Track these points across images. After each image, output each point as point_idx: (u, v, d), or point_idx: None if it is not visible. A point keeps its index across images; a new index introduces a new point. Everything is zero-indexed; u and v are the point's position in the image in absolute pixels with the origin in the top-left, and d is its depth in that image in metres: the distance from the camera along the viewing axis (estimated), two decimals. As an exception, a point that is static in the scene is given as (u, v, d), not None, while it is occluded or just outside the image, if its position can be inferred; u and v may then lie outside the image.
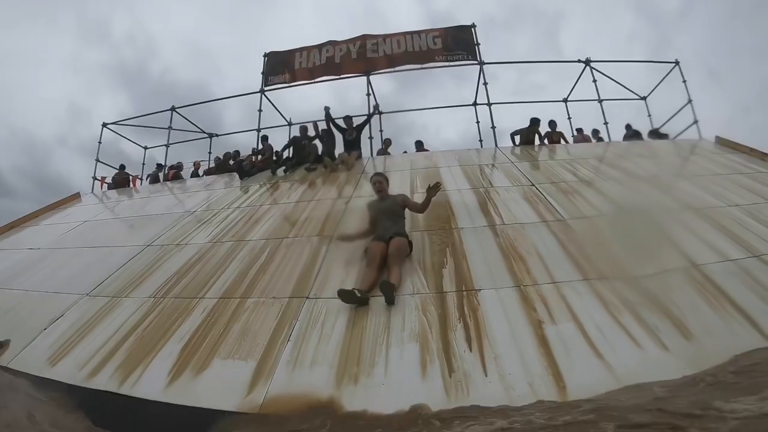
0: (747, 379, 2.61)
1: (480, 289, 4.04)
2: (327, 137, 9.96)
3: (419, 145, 11.13)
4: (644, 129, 11.10)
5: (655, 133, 10.87)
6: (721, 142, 8.77)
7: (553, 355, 3.14)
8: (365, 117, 10.55)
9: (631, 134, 10.79)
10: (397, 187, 7.28)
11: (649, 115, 11.82)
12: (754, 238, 4.67)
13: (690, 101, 10.51)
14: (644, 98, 11.97)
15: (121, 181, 13.24)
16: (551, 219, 5.42)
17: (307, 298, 4.37)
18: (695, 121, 10.30)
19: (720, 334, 3.26)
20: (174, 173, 12.81)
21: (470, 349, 3.29)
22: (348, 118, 10.20)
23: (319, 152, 9.87)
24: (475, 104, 11.51)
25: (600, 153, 8.67)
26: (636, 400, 2.56)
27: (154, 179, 12.96)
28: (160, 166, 13.46)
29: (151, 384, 3.56)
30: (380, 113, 12.05)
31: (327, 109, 9.92)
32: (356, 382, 3.16)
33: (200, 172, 13.14)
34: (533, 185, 6.66)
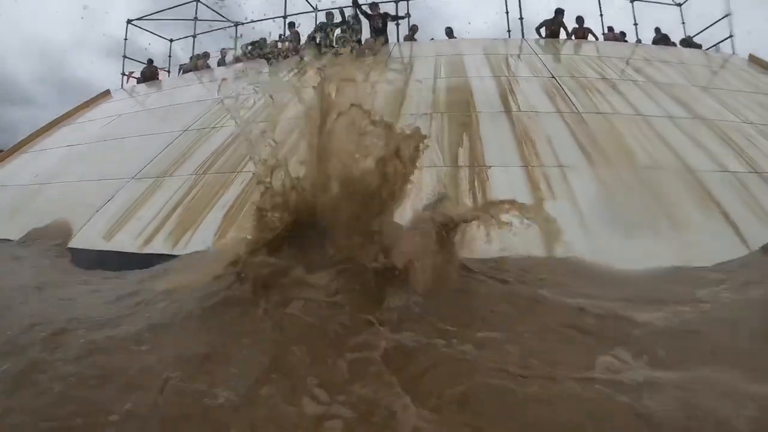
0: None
1: (490, 166, 4.42)
2: (353, 24, 9.92)
3: (449, 32, 10.98)
4: (677, 37, 10.76)
5: (687, 42, 10.53)
6: (753, 60, 8.61)
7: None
8: (394, 13, 10.42)
9: (660, 38, 10.45)
10: (420, 73, 7.50)
11: (683, 23, 11.33)
12: (759, 155, 4.84)
13: (729, 14, 10.16)
14: (680, 5, 11.49)
15: (150, 75, 13.29)
16: (566, 111, 5.66)
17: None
18: (730, 36, 9.97)
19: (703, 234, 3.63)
20: (202, 63, 12.86)
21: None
22: (375, 5, 10.08)
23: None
24: (504, -7, 11.17)
25: (626, 53, 8.61)
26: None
27: (188, 69, 13.00)
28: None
29: (200, 245, 4.11)
30: (408, -1, 11.82)
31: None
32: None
33: (227, 59, 13.15)
34: (554, 77, 6.81)
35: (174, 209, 4.92)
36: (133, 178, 5.91)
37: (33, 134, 9.81)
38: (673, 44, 10.36)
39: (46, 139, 9.32)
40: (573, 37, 10.17)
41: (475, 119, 5.47)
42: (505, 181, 4.20)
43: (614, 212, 3.79)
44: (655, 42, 10.42)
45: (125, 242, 4.59)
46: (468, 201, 3.93)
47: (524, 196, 3.93)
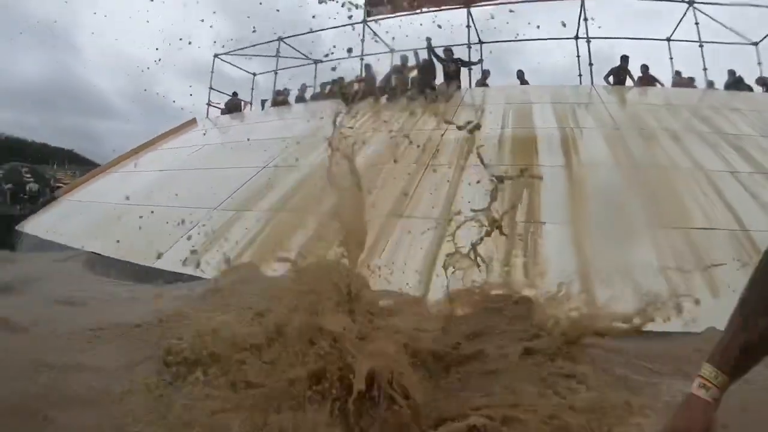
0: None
1: (544, 222, 4.87)
2: (427, 68, 10.56)
3: (520, 75, 11.36)
4: (752, 79, 10.32)
5: (763, 82, 10.20)
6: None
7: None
8: (467, 59, 11.01)
9: (732, 82, 10.23)
10: (490, 120, 8.00)
11: (760, 63, 10.79)
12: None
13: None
14: (755, 44, 11.02)
15: (233, 107, 14.62)
16: (627, 164, 5.98)
17: (401, 217, 5.41)
18: (814, 75, 9.75)
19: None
20: (282, 99, 13.94)
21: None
22: (448, 51, 10.75)
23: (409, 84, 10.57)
24: (576, 38, 11.47)
25: (693, 101, 8.73)
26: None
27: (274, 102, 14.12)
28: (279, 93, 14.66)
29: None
30: (481, 42, 12.46)
31: (429, 40, 10.47)
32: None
33: (306, 96, 14.16)
34: (618, 128, 7.12)
35: (250, 244, 5.67)
36: (215, 208, 6.76)
37: (123, 155, 11.20)
38: (748, 87, 10.11)
39: (136, 161, 10.45)
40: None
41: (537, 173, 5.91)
42: (557, 236, 4.62)
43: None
44: (727, 86, 10.32)
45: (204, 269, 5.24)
46: (520, 254, 4.38)
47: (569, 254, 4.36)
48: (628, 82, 10.28)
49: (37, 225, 8.63)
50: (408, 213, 5.56)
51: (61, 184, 18.65)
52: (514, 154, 6.54)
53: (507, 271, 4.09)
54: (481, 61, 11.48)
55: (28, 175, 14.95)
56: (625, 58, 10.25)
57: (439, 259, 4.43)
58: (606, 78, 10.42)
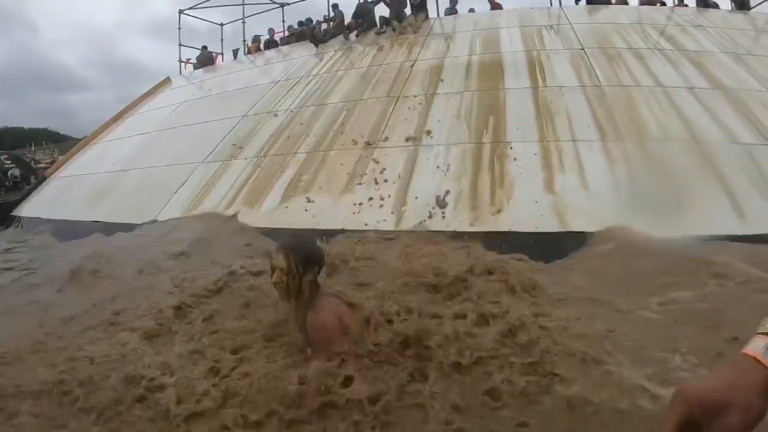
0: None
1: (510, 142, 5.04)
2: (395, 1, 10.37)
3: None
4: None
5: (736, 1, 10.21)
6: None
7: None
8: None
9: None
10: (458, 47, 8.04)
11: None
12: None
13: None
14: None
15: (206, 60, 14.36)
16: (589, 84, 6.11)
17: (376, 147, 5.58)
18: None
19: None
20: (255, 47, 13.79)
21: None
22: (413, -20, 10.54)
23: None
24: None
25: (660, 20, 8.75)
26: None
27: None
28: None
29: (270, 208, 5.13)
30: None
31: None
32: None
33: (276, 38, 13.91)
34: (583, 49, 7.20)
35: (242, 187, 5.84)
36: (202, 162, 6.84)
37: (103, 125, 11.03)
38: (715, 5, 10.11)
39: (116, 129, 10.51)
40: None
41: (503, 97, 6.03)
42: (523, 155, 4.81)
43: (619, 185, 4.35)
44: (697, 3, 10.33)
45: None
46: (487, 175, 4.58)
47: (536, 171, 4.57)
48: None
49: (33, 207, 8.62)
50: (382, 144, 5.71)
51: (43, 165, 18.41)
52: (480, 79, 6.62)
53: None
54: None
55: (9, 162, 14.76)
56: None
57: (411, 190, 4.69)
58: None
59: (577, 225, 3.95)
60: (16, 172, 14.08)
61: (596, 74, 6.34)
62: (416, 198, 4.60)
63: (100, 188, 7.58)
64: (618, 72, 6.40)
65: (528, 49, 7.51)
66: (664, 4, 10.62)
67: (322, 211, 4.86)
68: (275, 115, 7.42)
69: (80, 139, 11.55)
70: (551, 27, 8.52)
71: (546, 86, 6.17)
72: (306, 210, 4.97)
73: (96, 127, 11.09)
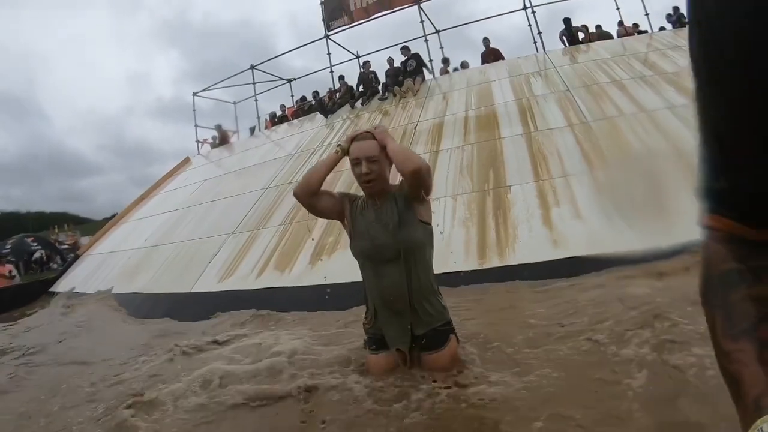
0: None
1: (510, 185, 5.61)
2: (394, 72, 11.43)
3: (486, 42, 12.09)
4: None
5: None
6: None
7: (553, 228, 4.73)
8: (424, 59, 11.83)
9: (677, 18, 10.92)
10: (455, 104, 8.78)
11: None
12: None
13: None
14: None
15: (222, 139, 15.54)
16: (576, 122, 6.70)
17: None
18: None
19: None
20: (270, 123, 14.94)
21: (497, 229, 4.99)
22: (405, 48, 11.57)
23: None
24: (524, 8, 12.07)
25: (641, 48, 9.37)
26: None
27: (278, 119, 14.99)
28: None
29: (299, 271, 5.66)
30: (438, 31, 13.28)
31: (390, 60, 11.81)
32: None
33: (288, 114, 14.99)
34: (568, 90, 7.84)
35: (272, 254, 6.44)
36: (232, 233, 7.52)
37: (129, 206, 12.13)
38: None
39: (142, 208, 11.49)
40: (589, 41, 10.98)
41: (500, 145, 6.64)
42: (521, 197, 5.36)
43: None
44: (672, 24, 10.98)
45: (237, 282, 6.15)
46: (492, 221, 5.14)
47: (534, 208, 5.10)
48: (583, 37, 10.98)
49: (69, 282, 9.37)
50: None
51: (66, 246, 19.57)
52: (478, 132, 7.29)
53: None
54: (431, 61, 12.28)
55: (35, 244, 15.73)
56: (566, 21, 11.00)
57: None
58: (561, 38, 11.14)
59: (576, 251, 4.41)
60: (41, 253, 15.05)
61: (582, 111, 6.93)
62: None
63: (135, 263, 8.29)
64: (602, 106, 6.97)
65: (518, 98, 8.19)
66: (641, 31, 11.29)
67: (351, 266, 5.41)
68: (295, 185, 8.05)
69: (100, 221, 12.52)
70: (538, 73, 9.23)
71: (537, 130, 6.78)
72: (335, 268, 5.46)
73: (113, 208, 12.20)
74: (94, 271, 9.18)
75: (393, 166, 2.36)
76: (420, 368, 2.34)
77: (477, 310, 3.63)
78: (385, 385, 2.30)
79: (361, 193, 2.50)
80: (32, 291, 9.55)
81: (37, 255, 15.23)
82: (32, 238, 16.62)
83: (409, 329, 2.30)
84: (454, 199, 5.76)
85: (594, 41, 10.72)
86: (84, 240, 13.25)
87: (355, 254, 2.42)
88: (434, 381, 2.25)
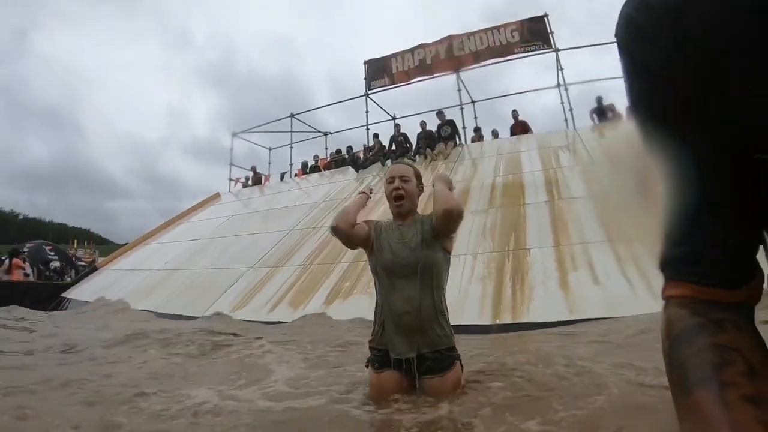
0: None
1: (530, 248, 5.82)
2: (428, 135, 11.96)
3: (515, 114, 12.59)
4: None
5: None
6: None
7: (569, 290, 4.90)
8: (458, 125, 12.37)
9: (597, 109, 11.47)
10: (484, 171, 9.11)
11: None
12: None
13: None
14: None
15: (255, 180, 16.30)
16: (598, 192, 6.91)
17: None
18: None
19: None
20: (301, 171, 15.58)
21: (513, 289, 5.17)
22: (441, 113, 12.11)
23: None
24: (558, 86, 12.62)
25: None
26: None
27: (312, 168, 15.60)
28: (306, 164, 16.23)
29: (312, 310, 5.89)
30: (473, 102, 13.86)
31: (422, 123, 12.36)
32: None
33: (320, 165, 15.63)
34: (593, 163, 8.10)
35: (289, 290, 6.68)
36: (252, 267, 7.81)
37: (155, 229, 12.59)
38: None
39: (167, 233, 11.92)
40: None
41: (524, 211, 6.90)
42: (540, 260, 5.56)
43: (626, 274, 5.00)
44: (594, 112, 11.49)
45: (250, 314, 6.34)
46: (509, 281, 5.33)
47: (551, 271, 5.29)
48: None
49: (83, 291, 9.68)
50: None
51: (83, 263, 19.89)
52: (503, 197, 7.56)
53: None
54: (464, 128, 12.77)
55: (52, 253, 15.99)
56: (599, 99, 11.40)
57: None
58: (591, 116, 11.53)
59: (591, 313, 4.54)
60: (57, 264, 15.29)
61: (604, 182, 7.15)
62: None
63: (152, 283, 8.57)
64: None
65: (545, 168, 8.47)
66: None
67: (367, 309, 5.61)
68: (319, 230, 8.46)
69: (121, 245, 12.78)
70: (566, 147, 9.55)
71: (561, 198, 7.01)
72: (351, 310, 5.63)
73: (135, 234, 12.44)
74: (109, 285, 9.44)
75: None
76: (422, 393, 2.32)
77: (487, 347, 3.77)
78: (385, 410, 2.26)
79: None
80: (45, 292, 9.83)
81: (53, 265, 15.49)
82: (50, 247, 16.85)
83: (415, 344, 2.34)
84: (474, 258, 5.96)
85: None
86: (101, 260, 13.63)
87: (375, 267, 2.54)
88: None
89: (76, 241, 35.61)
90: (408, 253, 2.42)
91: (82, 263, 19.53)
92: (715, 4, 0.56)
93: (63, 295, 9.78)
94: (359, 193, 2.77)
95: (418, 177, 2.64)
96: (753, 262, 0.71)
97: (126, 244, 12.95)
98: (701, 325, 0.66)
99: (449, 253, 2.51)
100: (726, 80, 0.58)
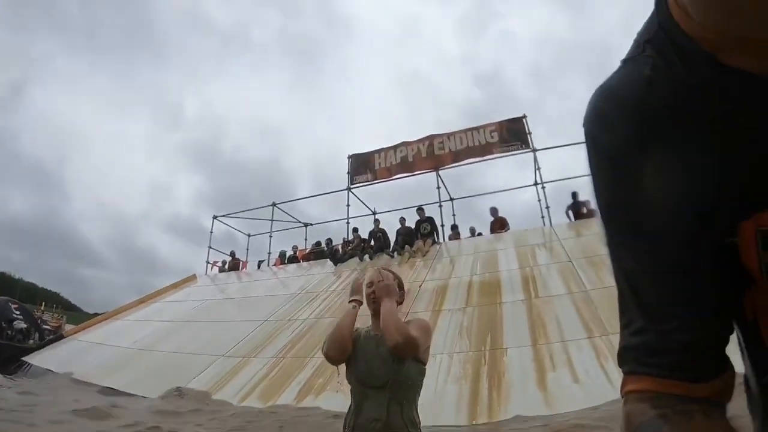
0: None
1: (507, 348, 5.63)
2: (407, 232, 12.04)
3: (494, 211, 12.70)
4: None
5: None
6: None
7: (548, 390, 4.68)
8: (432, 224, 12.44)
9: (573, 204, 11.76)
10: (461, 269, 9.04)
11: None
12: None
13: None
14: None
15: (233, 265, 16.14)
16: (576, 291, 6.86)
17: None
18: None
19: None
20: (279, 261, 15.43)
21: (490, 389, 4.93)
22: (421, 210, 12.25)
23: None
24: (535, 184, 12.89)
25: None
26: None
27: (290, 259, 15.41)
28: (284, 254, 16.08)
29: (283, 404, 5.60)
30: (452, 199, 14.09)
31: (402, 219, 12.54)
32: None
33: (298, 255, 15.53)
34: (570, 261, 8.10)
35: (259, 383, 6.40)
36: (223, 355, 7.51)
37: (128, 304, 12.27)
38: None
39: (140, 311, 11.57)
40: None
41: (500, 310, 6.76)
42: (517, 360, 5.36)
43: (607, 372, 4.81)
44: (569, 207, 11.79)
45: (222, 399, 6.10)
46: (485, 381, 5.10)
47: (529, 371, 5.08)
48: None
49: (47, 359, 9.25)
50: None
51: (48, 327, 18.88)
52: (480, 296, 7.44)
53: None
54: (442, 226, 12.95)
55: (18, 312, 15.16)
56: (574, 194, 11.66)
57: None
58: (567, 213, 11.70)
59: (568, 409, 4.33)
60: (22, 325, 14.35)
61: (582, 281, 7.11)
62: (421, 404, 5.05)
63: (119, 360, 8.20)
64: (601, 276, 7.15)
65: (522, 266, 8.45)
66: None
67: (340, 407, 5.30)
68: (294, 322, 8.26)
69: (90, 313, 12.35)
70: (543, 245, 9.59)
71: (538, 297, 6.92)
72: (322, 406, 5.38)
73: (106, 305, 12.10)
74: (75, 356, 9.08)
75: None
76: None
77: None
78: None
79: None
80: (6, 353, 9.51)
81: (18, 325, 14.56)
82: (17, 306, 15.82)
83: None
84: (450, 357, 5.76)
85: (594, 218, 11.14)
86: (68, 327, 13.12)
87: (349, 378, 2.45)
88: None
89: (44, 303, 34.10)
90: (380, 365, 2.33)
91: (48, 327, 18.58)
92: (676, 88, 0.58)
93: (25, 359, 9.41)
94: (350, 301, 2.58)
95: (399, 284, 2.57)
96: (722, 354, 0.65)
97: (95, 314, 12.63)
98: (664, 417, 0.60)
99: (424, 364, 2.43)
100: (680, 163, 0.59)
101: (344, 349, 2.40)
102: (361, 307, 2.57)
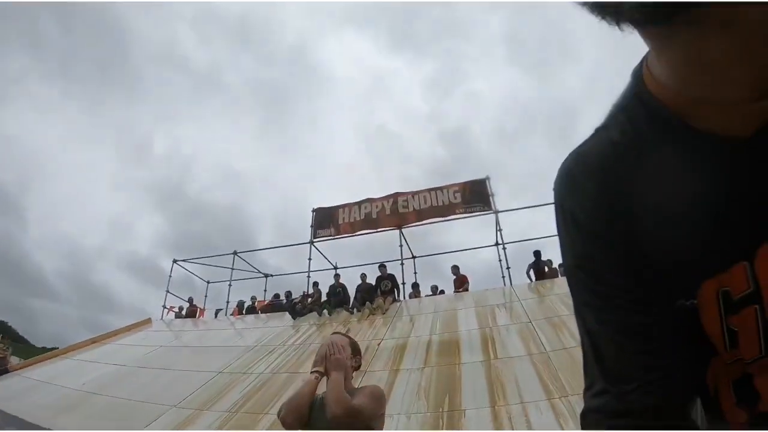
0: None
1: (465, 409, 5.47)
2: (367, 288, 11.92)
3: (455, 269, 12.73)
4: None
5: None
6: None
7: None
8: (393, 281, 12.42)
9: (535, 263, 11.96)
10: (420, 328, 8.90)
11: None
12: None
13: None
14: None
15: (190, 312, 15.80)
16: (536, 352, 6.79)
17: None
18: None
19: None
20: (237, 310, 15.17)
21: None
22: (383, 266, 12.17)
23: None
24: (496, 244, 13.08)
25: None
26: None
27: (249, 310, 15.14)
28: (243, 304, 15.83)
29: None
30: (414, 257, 14.08)
31: (363, 276, 12.44)
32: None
33: (257, 306, 15.29)
34: (530, 322, 8.07)
35: None
36: (175, 406, 7.15)
37: (78, 344, 11.78)
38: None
39: (92, 351, 11.11)
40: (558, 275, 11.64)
41: (459, 371, 6.63)
42: (475, 421, 5.19)
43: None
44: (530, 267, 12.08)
45: None
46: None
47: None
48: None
49: None
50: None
51: None
52: (439, 356, 7.29)
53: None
54: (403, 284, 12.95)
55: None
56: (536, 253, 11.78)
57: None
58: (527, 273, 11.78)
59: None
60: None
61: (542, 342, 7.06)
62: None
63: (64, 403, 7.81)
64: (561, 337, 7.13)
65: (482, 327, 8.39)
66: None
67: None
68: (249, 376, 7.95)
69: (38, 347, 11.67)
70: (503, 305, 9.57)
71: (497, 358, 6.83)
72: None
73: (54, 340, 11.62)
74: (18, 393, 8.66)
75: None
76: None
77: None
78: None
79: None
80: None
81: None
82: None
83: None
84: (408, 418, 5.59)
85: (555, 277, 11.33)
86: (14, 360, 12.33)
87: None
88: None
89: (-13, 332, 32.16)
90: None
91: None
92: (641, 153, 0.61)
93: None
94: (312, 371, 2.56)
95: (355, 350, 2.64)
96: (686, 417, 0.63)
97: (43, 347, 11.99)
98: None
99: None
100: (642, 227, 0.61)
101: (301, 416, 2.41)
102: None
